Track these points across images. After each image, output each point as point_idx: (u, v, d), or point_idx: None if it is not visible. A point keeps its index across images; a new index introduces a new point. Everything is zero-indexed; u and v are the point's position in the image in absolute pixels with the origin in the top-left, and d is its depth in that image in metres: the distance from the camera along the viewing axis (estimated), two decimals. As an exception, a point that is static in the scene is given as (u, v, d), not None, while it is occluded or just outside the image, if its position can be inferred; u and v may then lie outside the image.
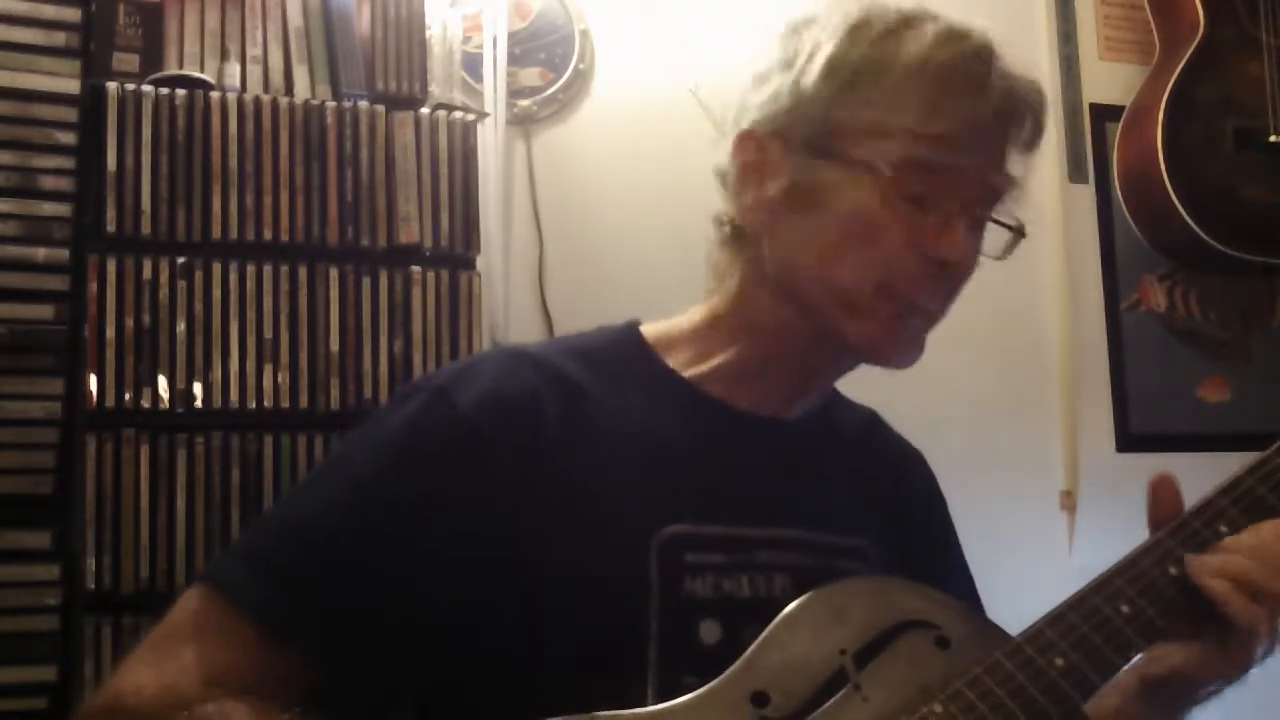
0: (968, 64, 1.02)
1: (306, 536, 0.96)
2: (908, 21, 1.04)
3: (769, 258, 1.06)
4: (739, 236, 1.09)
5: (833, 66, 1.04)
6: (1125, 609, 0.96)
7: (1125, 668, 0.98)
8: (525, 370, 1.03)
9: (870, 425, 1.23)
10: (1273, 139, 2.53)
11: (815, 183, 1.04)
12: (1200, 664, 0.99)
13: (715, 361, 1.09)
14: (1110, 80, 2.69)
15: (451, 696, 0.99)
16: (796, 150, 1.05)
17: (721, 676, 0.91)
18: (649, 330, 1.13)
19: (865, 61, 1.03)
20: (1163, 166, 2.49)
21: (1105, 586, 0.98)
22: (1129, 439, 2.63)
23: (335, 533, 0.96)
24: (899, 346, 1.05)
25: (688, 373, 1.09)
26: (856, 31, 1.04)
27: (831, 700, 0.89)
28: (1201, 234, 2.50)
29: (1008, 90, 1.04)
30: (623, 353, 1.10)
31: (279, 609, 0.93)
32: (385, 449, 0.99)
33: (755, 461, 1.07)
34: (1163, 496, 1.03)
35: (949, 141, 1.02)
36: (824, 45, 1.05)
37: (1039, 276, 2.62)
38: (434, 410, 1.00)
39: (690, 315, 1.13)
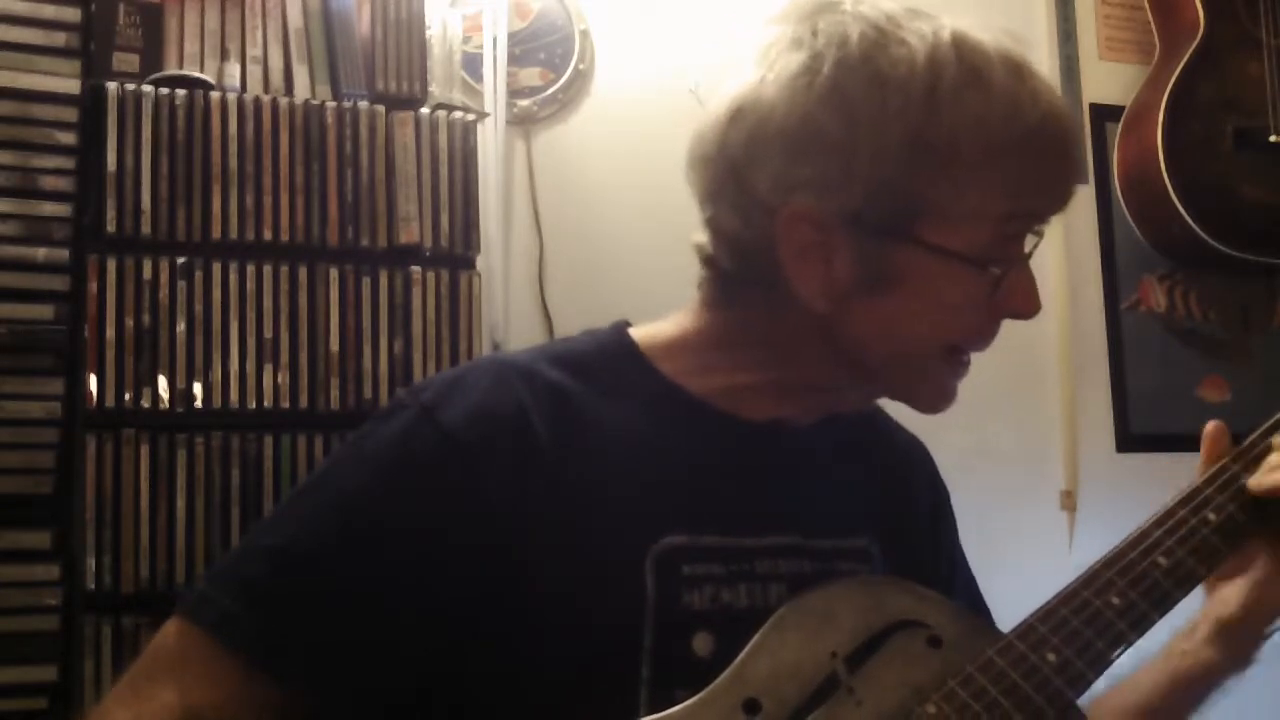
0: (1049, 130, 0.97)
1: (292, 562, 0.92)
2: (972, 75, 0.95)
3: (826, 324, 0.99)
4: (778, 291, 1.00)
5: (913, 145, 0.93)
6: (1116, 601, 0.96)
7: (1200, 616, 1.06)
8: (513, 383, 0.99)
9: (872, 418, 1.19)
10: (1273, 139, 2.54)
11: (892, 266, 0.97)
12: (1271, 594, 1.05)
13: (728, 381, 1.04)
14: (1110, 80, 2.69)
15: (444, 713, 0.96)
16: (867, 232, 0.96)
17: (712, 686, 0.89)
18: (639, 334, 1.09)
19: (944, 136, 0.94)
20: (1163, 166, 2.49)
21: (1095, 579, 0.98)
22: (1129, 439, 2.63)
23: (323, 557, 0.92)
24: (953, 397, 1.06)
25: (684, 381, 1.05)
26: (931, 96, 0.93)
27: (824, 705, 0.89)
28: (1201, 234, 2.50)
29: (1078, 143, 1.06)
30: (614, 360, 1.06)
31: (267, 641, 0.90)
32: (372, 470, 0.96)
33: (754, 468, 1.04)
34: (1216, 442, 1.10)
35: (1039, 214, 1.02)
36: (892, 119, 0.93)
37: (1039, 276, 2.58)
38: (421, 429, 0.96)
39: (682, 322, 1.08)
